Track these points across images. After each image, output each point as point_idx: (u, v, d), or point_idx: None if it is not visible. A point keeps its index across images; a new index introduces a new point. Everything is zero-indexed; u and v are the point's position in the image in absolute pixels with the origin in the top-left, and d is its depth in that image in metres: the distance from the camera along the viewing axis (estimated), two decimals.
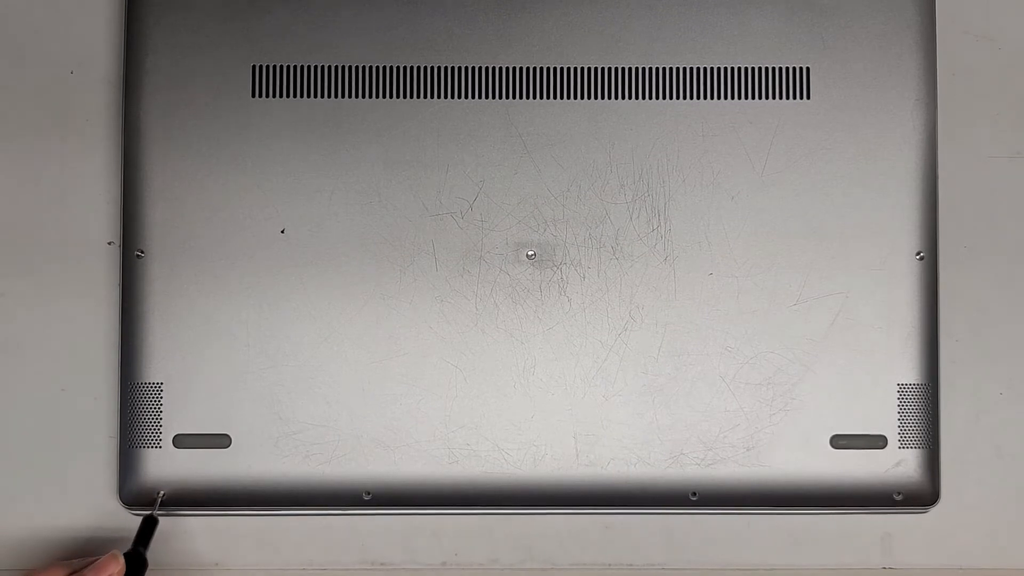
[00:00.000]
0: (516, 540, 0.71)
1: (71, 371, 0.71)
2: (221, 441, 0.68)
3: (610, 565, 0.71)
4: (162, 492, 0.68)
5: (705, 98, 0.69)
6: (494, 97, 0.69)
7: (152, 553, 0.70)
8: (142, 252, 0.68)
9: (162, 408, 0.68)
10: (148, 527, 0.67)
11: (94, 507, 0.71)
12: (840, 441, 0.69)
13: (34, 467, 0.71)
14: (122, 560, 0.65)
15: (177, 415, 0.68)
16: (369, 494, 0.68)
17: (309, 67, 0.69)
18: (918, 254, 0.69)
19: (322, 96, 0.69)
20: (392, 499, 0.68)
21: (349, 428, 0.68)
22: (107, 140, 0.72)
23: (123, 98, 0.69)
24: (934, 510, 0.70)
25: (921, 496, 0.69)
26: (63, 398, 0.71)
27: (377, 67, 0.69)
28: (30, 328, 0.71)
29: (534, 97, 0.69)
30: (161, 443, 0.68)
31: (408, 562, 0.71)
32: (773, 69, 0.69)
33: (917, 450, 0.69)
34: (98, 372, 0.71)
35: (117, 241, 0.71)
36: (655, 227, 0.69)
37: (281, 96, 0.69)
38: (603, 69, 0.69)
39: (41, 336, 0.71)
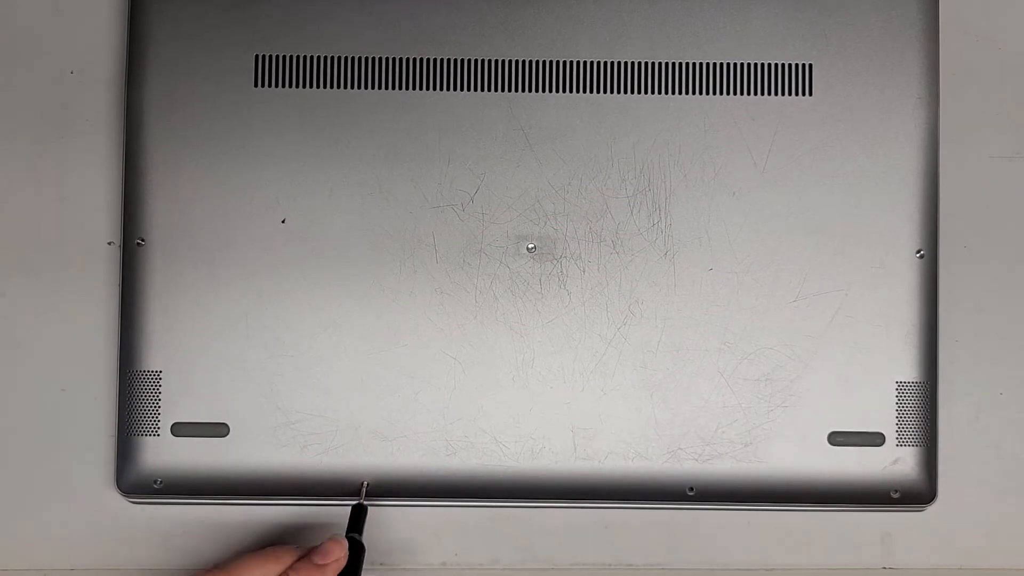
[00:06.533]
0: (516, 540, 0.71)
1: (70, 370, 0.71)
2: (219, 430, 0.68)
3: (610, 565, 0.71)
4: (366, 482, 0.68)
5: (707, 93, 0.69)
6: (496, 90, 0.69)
7: (147, 543, 0.70)
8: (143, 240, 0.68)
9: (160, 396, 0.68)
10: (358, 514, 0.67)
11: (92, 496, 0.71)
12: (838, 438, 0.68)
13: (33, 461, 0.71)
14: (345, 543, 0.65)
15: (176, 403, 0.68)
16: (367, 484, 0.68)
17: (311, 57, 0.69)
18: (918, 252, 0.69)
19: (324, 87, 0.69)
20: (389, 490, 0.68)
21: (347, 419, 0.68)
22: (107, 140, 0.72)
23: (125, 87, 0.69)
24: (931, 508, 0.70)
25: (918, 494, 0.69)
26: (63, 397, 0.71)
27: (379, 58, 0.69)
28: (30, 327, 0.71)
29: (536, 91, 0.69)
30: (159, 431, 0.68)
31: (408, 562, 0.71)
32: (775, 65, 0.69)
33: (915, 448, 0.69)
34: (97, 370, 0.71)
35: (117, 240, 0.71)
36: (655, 222, 0.69)
37: (283, 86, 0.69)
38: (605, 63, 0.69)
39: (41, 335, 0.71)
